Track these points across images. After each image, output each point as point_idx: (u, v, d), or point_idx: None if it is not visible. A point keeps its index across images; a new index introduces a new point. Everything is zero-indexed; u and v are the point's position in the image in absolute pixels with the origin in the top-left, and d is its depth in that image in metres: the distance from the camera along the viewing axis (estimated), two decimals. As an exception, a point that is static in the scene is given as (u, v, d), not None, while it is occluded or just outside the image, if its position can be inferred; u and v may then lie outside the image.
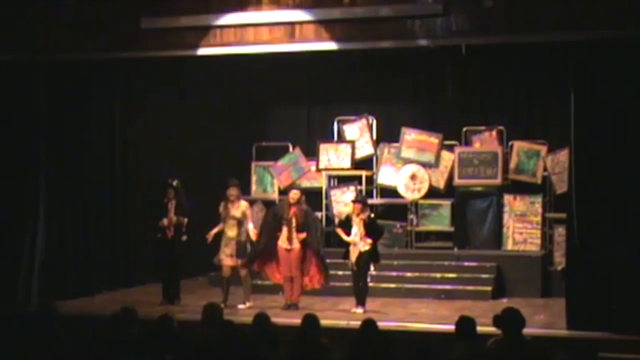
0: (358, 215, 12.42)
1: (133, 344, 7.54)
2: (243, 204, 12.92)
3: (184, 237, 13.14)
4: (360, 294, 12.43)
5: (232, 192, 12.84)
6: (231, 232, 12.82)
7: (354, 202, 12.71)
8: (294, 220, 12.47)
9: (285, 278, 12.58)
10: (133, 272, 15.09)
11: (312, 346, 7.10)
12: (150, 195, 13.86)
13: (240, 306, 12.57)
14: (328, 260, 13.50)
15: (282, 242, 12.52)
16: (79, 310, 12.44)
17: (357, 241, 12.36)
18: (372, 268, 12.74)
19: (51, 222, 13.78)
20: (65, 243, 14.08)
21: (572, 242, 11.37)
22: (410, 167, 15.42)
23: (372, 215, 12.79)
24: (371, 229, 12.41)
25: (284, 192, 15.96)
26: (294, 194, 12.66)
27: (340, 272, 13.66)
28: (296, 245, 12.48)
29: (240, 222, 12.83)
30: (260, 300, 12.98)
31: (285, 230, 12.50)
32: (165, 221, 13.07)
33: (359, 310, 12.24)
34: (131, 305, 8.64)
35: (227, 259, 12.84)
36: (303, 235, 12.46)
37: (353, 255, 12.40)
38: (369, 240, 12.36)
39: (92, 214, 14.60)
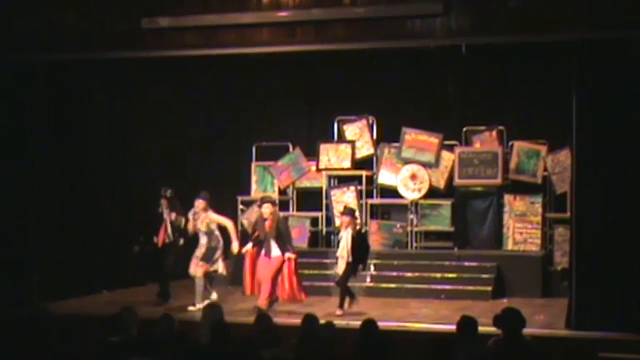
0: (346, 228, 12.34)
1: (133, 345, 7.55)
2: (210, 215, 12.83)
3: (182, 241, 13.15)
4: (341, 297, 12.36)
5: (198, 204, 12.80)
6: (203, 239, 12.87)
7: (342, 214, 12.66)
8: (271, 233, 12.41)
9: (258, 282, 12.51)
10: (133, 272, 15.08)
11: (314, 346, 7.11)
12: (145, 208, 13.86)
13: (191, 308, 12.54)
14: (327, 260, 13.57)
15: (264, 255, 12.48)
16: (79, 310, 12.45)
17: (344, 256, 12.25)
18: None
19: (51, 222, 13.78)
20: (65, 243, 14.09)
21: (574, 242, 11.37)
22: (411, 167, 15.42)
23: (363, 230, 12.66)
24: (359, 245, 12.28)
25: (284, 192, 16.01)
26: (266, 209, 12.52)
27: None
28: (276, 254, 12.42)
29: (209, 233, 12.82)
30: (258, 301, 12.95)
31: (265, 244, 12.46)
32: (156, 239, 13.17)
33: (338, 312, 12.16)
34: (131, 306, 8.65)
35: (194, 259, 12.86)
36: (290, 255, 12.41)
37: (340, 268, 12.34)
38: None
39: (92, 214, 14.61)
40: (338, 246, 12.50)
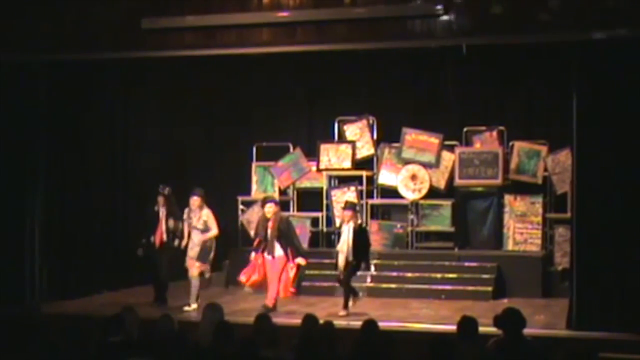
0: (348, 222, 12.31)
1: (133, 345, 7.55)
2: (204, 213, 12.85)
3: (176, 242, 13.09)
4: (345, 297, 12.32)
5: (193, 201, 12.80)
6: (196, 237, 12.85)
7: (343, 209, 12.59)
8: (273, 234, 12.40)
9: (268, 283, 12.51)
10: (134, 272, 15.06)
11: (314, 346, 7.12)
12: (141, 204, 13.83)
13: (186, 308, 12.53)
14: (326, 260, 13.51)
15: (267, 254, 12.48)
16: (80, 310, 12.46)
17: (344, 250, 12.22)
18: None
19: (51, 222, 13.78)
20: (66, 243, 14.09)
21: (574, 242, 11.37)
22: (411, 167, 15.42)
23: (364, 225, 12.61)
24: (359, 239, 12.23)
25: (284, 192, 16.00)
26: (269, 208, 12.52)
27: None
28: (278, 254, 12.42)
29: (205, 230, 12.82)
30: (258, 301, 12.96)
31: (268, 244, 12.44)
32: (153, 239, 13.09)
33: (341, 313, 12.12)
34: (132, 306, 8.65)
35: (190, 261, 12.87)
36: (300, 261, 12.40)
37: (341, 263, 12.30)
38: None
39: (92, 214, 14.60)
40: (339, 241, 12.45)
